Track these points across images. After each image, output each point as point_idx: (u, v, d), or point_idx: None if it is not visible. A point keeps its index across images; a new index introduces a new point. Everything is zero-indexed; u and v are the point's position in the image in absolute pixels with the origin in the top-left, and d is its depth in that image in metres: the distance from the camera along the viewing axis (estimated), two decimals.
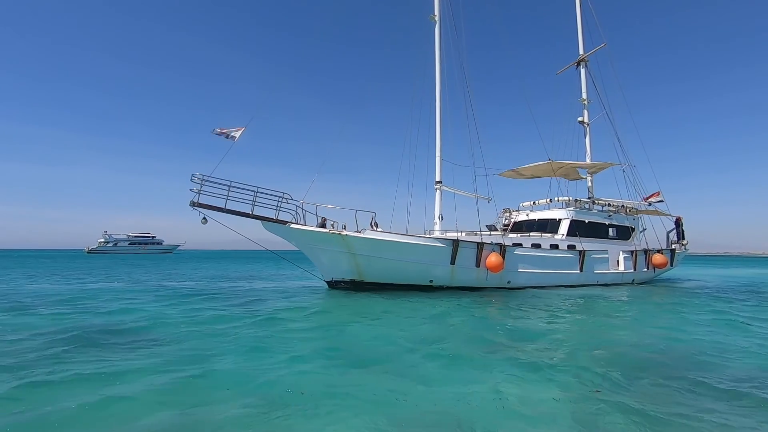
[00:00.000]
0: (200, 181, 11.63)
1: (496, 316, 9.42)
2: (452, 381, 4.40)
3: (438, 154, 16.55)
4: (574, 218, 16.94)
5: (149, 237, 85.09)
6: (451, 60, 17.46)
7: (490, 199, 17.61)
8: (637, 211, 19.73)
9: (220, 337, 6.51)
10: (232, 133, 12.63)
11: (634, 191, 19.96)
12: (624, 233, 18.60)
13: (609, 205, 19.11)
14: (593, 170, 19.97)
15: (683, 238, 20.78)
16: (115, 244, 79.89)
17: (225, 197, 11.77)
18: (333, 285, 13.90)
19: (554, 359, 5.34)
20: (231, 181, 11.86)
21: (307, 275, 16.45)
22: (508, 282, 14.68)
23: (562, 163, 17.85)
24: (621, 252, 17.67)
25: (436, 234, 15.18)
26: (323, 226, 12.84)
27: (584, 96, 21.05)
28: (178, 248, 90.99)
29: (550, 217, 17.41)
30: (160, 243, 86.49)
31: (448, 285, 13.91)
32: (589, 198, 19.38)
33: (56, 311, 9.06)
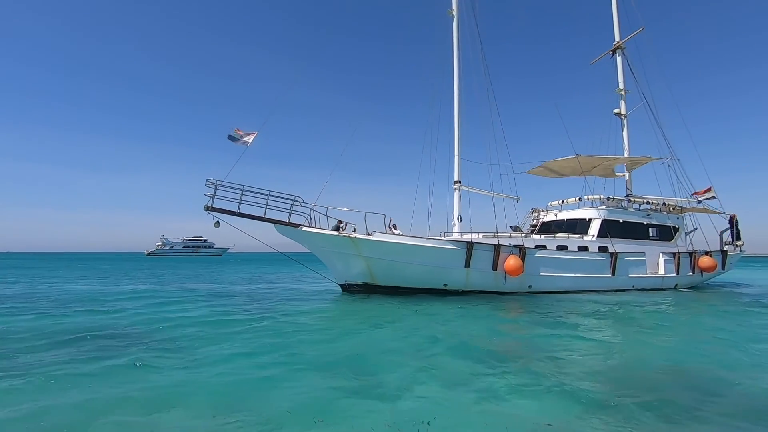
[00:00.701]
0: (214, 186, 12.02)
1: (486, 325, 8.63)
2: (384, 400, 3.96)
3: (456, 152, 16.08)
4: (606, 218, 15.74)
5: (201, 240, 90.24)
6: (470, 55, 16.96)
7: (519, 199, 16.84)
8: (682, 210, 17.98)
9: (175, 337, 6.73)
10: (245, 138, 12.95)
11: (680, 187, 18.26)
12: (665, 233, 17.01)
13: (647, 203, 17.59)
14: (630, 166, 18.49)
15: (739, 239, 18.69)
16: (171, 248, 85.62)
17: (238, 201, 12.09)
18: (346, 288, 13.81)
19: (524, 383, 4.62)
20: (244, 186, 12.15)
21: (327, 279, 16.52)
22: (530, 286, 13.87)
23: (592, 158, 16.65)
24: (661, 254, 16.16)
25: (454, 236, 14.72)
26: (338, 228, 12.81)
27: (621, 86, 19.58)
28: (228, 251, 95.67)
29: (580, 216, 16.29)
30: (211, 246, 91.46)
31: (463, 289, 13.39)
32: (626, 196, 17.97)
33: (46, 311, 9.61)
